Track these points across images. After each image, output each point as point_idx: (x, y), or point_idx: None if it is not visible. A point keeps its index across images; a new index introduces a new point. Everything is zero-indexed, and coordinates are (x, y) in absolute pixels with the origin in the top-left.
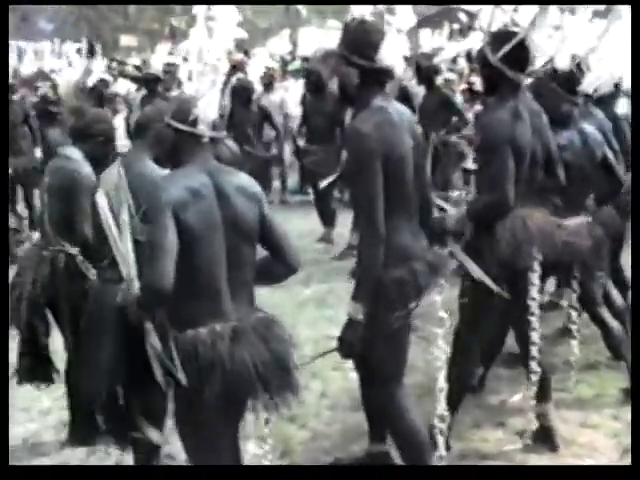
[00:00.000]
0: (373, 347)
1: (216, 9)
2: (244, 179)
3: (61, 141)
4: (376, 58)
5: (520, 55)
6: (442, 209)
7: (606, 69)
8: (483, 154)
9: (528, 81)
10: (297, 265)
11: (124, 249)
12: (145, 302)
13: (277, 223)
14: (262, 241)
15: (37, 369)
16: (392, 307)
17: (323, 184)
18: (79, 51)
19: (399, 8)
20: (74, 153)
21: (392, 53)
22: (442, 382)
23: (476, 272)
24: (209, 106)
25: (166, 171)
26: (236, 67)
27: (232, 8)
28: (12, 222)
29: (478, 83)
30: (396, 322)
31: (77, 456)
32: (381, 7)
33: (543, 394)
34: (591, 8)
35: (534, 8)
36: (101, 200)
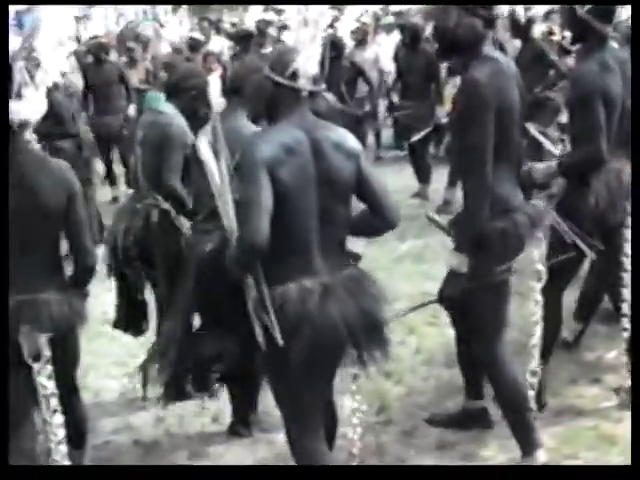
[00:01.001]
0: (475, 301)
1: None
2: (342, 134)
3: (157, 98)
4: (493, 7)
5: (606, 6)
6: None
7: None
8: (574, 107)
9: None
10: (396, 221)
11: (225, 203)
12: (240, 258)
13: (375, 179)
14: (360, 197)
15: (130, 319)
16: (495, 259)
17: (415, 138)
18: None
19: None
20: (168, 107)
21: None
22: (537, 337)
23: (569, 234)
24: (309, 60)
25: (260, 128)
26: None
27: None
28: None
29: (567, 39)
30: (499, 275)
31: (176, 411)
32: None
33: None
34: None
35: None
36: (203, 146)
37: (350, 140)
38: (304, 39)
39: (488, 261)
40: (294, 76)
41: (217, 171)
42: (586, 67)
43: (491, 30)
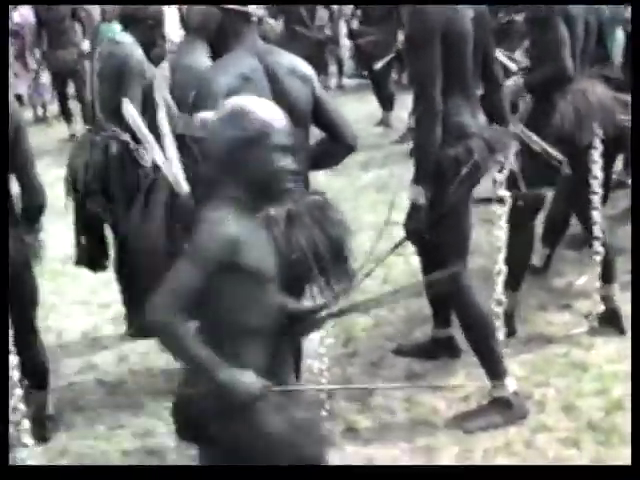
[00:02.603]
0: (437, 229)
1: None
2: (294, 60)
3: (111, 29)
4: None
5: None
6: (506, 69)
7: None
8: (535, 27)
9: None
10: (354, 142)
11: (168, 151)
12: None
13: (331, 102)
14: (317, 122)
15: (92, 255)
16: (453, 186)
17: (378, 65)
18: None
19: None
20: (124, 37)
21: None
22: (501, 265)
23: (539, 143)
24: None
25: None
26: None
27: None
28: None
29: None
30: (457, 199)
31: (138, 349)
32: None
33: (607, 275)
34: None
35: None
36: (129, 108)
37: (302, 64)
38: None
39: (445, 189)
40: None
41: (146, 130)
42: None
43: None
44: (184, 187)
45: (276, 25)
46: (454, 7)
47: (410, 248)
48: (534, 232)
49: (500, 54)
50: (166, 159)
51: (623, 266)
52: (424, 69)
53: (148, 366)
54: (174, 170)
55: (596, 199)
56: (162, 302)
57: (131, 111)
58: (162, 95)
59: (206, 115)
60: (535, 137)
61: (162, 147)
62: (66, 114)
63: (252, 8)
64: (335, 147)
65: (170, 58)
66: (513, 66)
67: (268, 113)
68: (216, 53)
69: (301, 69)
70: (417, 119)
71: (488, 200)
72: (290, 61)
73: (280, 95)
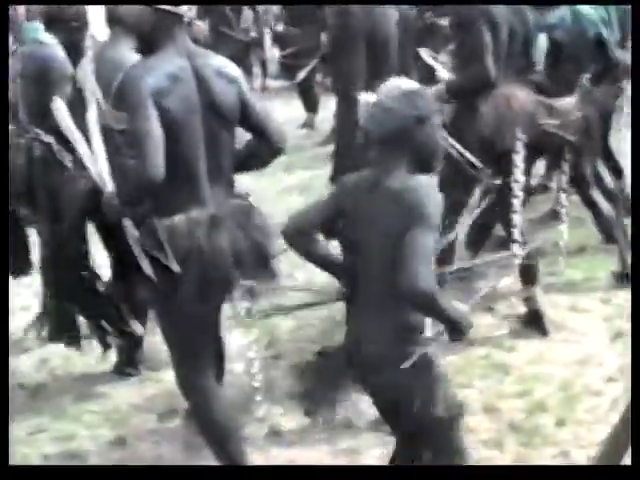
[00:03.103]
0: None
1: None
2: (222, 61)
3: (34, 29)
4: None
5: None
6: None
7: None
8: (458, 31)
9: None
10: (282, 145)
11: (94, 149)
12: (134, 194)
13: (258, 105)
14: (244, 124)
15: (16, 259)
16: None
17: (301, 75)
18: None
19: None
20: (47, 38)
21: None
22: None
23: (458, 149)
24: None
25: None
26: None
27: None
28: None
29: None
30: None
31: (60, 352)
32: None
33: (529, 278)
34: None
35: None
36: (60, 105)
37: (230, 66)
38: None
39: None
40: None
41: (74, 128)
42: None
43: None
44: (109, 185)
45: (204, 26)
46: (380, 8)
47: (334, 250)
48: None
49: (426, 55)
50: (93, 157)
51: (545, 268)
52: (348, 70)
53: (69, 370)
54: (100, 168)
55: (517, 203)
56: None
57: (61, 109)
58: (93, 93)
59: (368, 97)
60: (454, 142)
61: (90, 145)
62: None
63: (184, 9)
64: (263, 149)
65: (95, 52)
66: (442, 72)
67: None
68: (145, 52)
69: (229, 71)
70: (338, 119)
71: None
72: (218, 63)
73: (207, 96)
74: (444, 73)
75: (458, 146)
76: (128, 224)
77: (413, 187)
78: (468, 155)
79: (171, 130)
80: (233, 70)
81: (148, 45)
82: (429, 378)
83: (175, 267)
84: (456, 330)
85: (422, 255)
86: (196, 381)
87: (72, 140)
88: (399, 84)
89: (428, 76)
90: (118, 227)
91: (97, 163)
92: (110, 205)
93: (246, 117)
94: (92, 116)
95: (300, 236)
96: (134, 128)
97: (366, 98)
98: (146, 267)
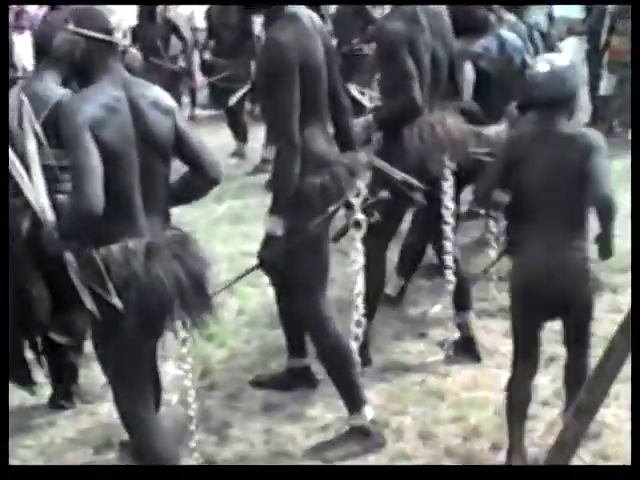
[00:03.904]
0: (296, 259)
1: None
2: (157, 92)
3: None
4: None
5: None
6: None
7: None
8: (382, 59)
9: None
10: (218, 176)
11: (34, 181)
12: (73, 227)
13: (193, 136)
14: (179, 155)
15: None
16: (314, 214)
17: (232, 101)
18: None
19: None
20: None
21: None
22: (359, 287)
23: (396, 173)
24: (126, 14)
25: (65, 90)
26: None
27: None
28: None
29: None
30: (317, 228)
31: None
32: None
33: (462, 304)
34: None
35: None
36: None
37: (165, 97)
38: None
39: (307, 218)
40: (110, 31)
41: (16, 158)
42: (388, 20)
43: None
44: (50, 218)
45: (138, 55)
46: (308, 37)
47: (265, 279)
48: (386, 261)
49: (352, 89)
50: (34, 190)
51: (477, 294)
52: (283, 101)
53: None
54: (41, 201)
55: (448, 229)
56: None
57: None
58: (31, 125)
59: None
60: (388, 166)
61: (30, 178)
62: None
63: (118, 37)
64: (198, 180)
65: (21, 85)
66: (367, 102)
67: None
68: (80, 82)
69: (164, 101)
70: (276, 151)
71: None
72: (153, 93)
73: (143, 127)
74: (368, 104)
75: (387, 166)
76: (69, 257)
77: (581, 131)
78: (409, 178)
79: (107, 161)
80: (168, 101)
81: (82, 75)
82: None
83: (117, 303)
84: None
85: (606, 174)
86: (137, 412)
87: (14, 173)
88: (555, 58)
89: (356, 108)
90: (58, 260)
91: (38, 195)
92: (51, 238)
93: (181, 148)
94: (31, 148)
95: (487, 197)
96: (72, 160)
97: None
98: (87, 301)
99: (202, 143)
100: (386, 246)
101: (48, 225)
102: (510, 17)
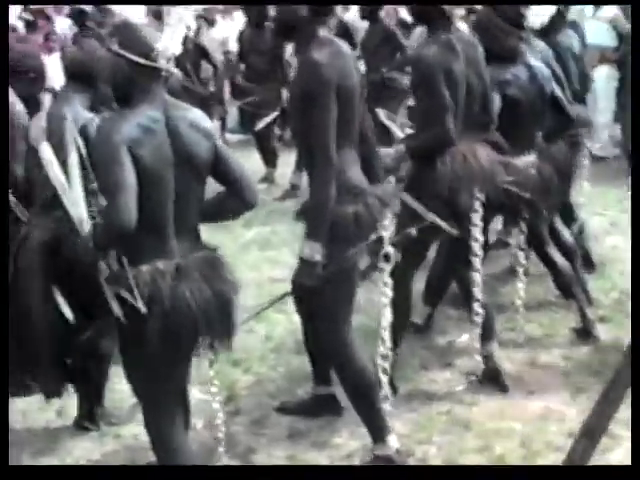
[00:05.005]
0: (328, 287)
1: None
2: (197, 114)
3: None
4: None
5: None
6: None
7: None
8: (418, 88)
9: (472, 17)
10: (254, 200)
11: (74, 193)
12: (105, 240)
13: (232, 158)
14: (217, 177)
15: None
16: (349, 244)
17: (259, 126)
18: None
19: None
20: None
21: None
22: (386, 320)
23: (427, 214)
24: (173, 40)
25: (92, 115)
26: None
27: None
28: None
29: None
30: (353, 259)
31: (18, 406)
32: None
33: (487, 335)
34: None
35: None
36: (45, 150)
37: (205, 119)
38: (172, 20)
39: (342, 246)
40: (155, 56)
41: (60, 171)
42: (426, 48)
43: (328, 16)
44: (86, 228)
45: (179, 76)
46: (344, 60)
47: (292, 305)
48: (411, 290)
49: (382, 114)
50: (73, 201)
51: (504, 324)
52: (320, 121)
53: (28, 425)
54: (80, 212)
55: (476, 261)
56: None
57: (48, 154)
58: (73, 139)
59: None
60: (422, 207)
61: (71, 189)
62: None
63: (162, 63)
64: (235, 203)
65: (49, 107)
66: (396, 129)
67: None
68: (120, 103)
69: (203, 124)
70: (311, 174)
71: None
72: (193, 115)
73: (180, 149)
74: (401, 134)
75: (416, 204)
76: (103, 267)
77: None
78: (438, 221)
79: (143, 180)
80: (208, 123)
81: (122, 96)
82: None
83: (142, 307)
84: None
85: None
86: (167, 435)
87: (56, 183)
88: None
89: (385, 136)
90: (90, 269)
91: (77, 207)
92: (87, 247)
93: (220, 171)
94: (73, 161)
95: None
96: (108, 175)
97: None
98: (115, 308)
99: (241, 166)
100: (412, 275)
101: (84, 235)
102: (541, 44)
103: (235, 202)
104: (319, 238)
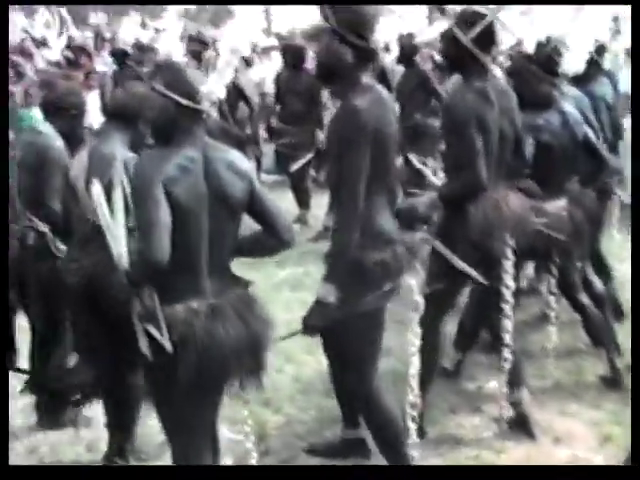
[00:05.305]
0: (348, 330)
1: None
2: (235, 155)
3: (30, 117)
4: (371, 39)
5: (487, 36)
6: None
7: (583, 48)
8: (449, 135)
9: (506, 63)
10: (291, 240)
11: (117, 231)
12: (138, 276)
13: (269, 198)
14: (254, 216)
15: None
16: (370, 289)
17: (293, 167)
18: (47, 24)
19: None
20: (46, 128)
21: (386, 34)
22: (415, 368)
23: (456, 262)
24: (219, 85)
25: (131, 154)
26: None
27: None
28: None
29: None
30: (371, 304)
31: (49, 439)
32: None
33: (516, 381)
34: None
35: None
36: (96, 188)
37: (242, 160)
38: (221, 64)
39: (363, 291)
40: (200, 98)
41: (107, 210)
42: (459, 95)
43: (372, 61)
44: (125, 265)
45: (217, 120)
46: (384, 108)
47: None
48: (441, 335)
49: (414, 159)
50: (116, 238)
51: (533, 371)
52: (351, 171)
53: (58, 458)
54: (120, 249)
55: (507, 308)
56: None
57: (97, 191)
58: (119, 176)
59: None
60: (453, 256)
61: (115, 226)
62: None
63: (205, 106)
64: (271, 241)
65: (91, 144)
66: (429, 173)
67: None
68: (158, 142)
69: (240, 165)
70: (337, 219)
71: None
72: (231, 157)
73: (216, 189)
74: (435, 179)
75: (448, 253)
76: (136, 304)
77: None
78: (468, 269)
79: (177, 219)
80: (245, 164)
81: (162, 134)
82: None
83: (168, 345)
84: None
85: None
86: None
87: (101, 220)
88: None
89: (416, 179)
90: (124, 306)
91: (119, 244)
92: (121, 284)
93: (257, 211)
94: (118, 198)
95: None
96: (141, 212)
97: None
98: (144, 345)
99: (278, 207)
100: (442, 321)
101: (122, 271)
102: (575, 92)
103: (272, 241)
104: (335, 281)
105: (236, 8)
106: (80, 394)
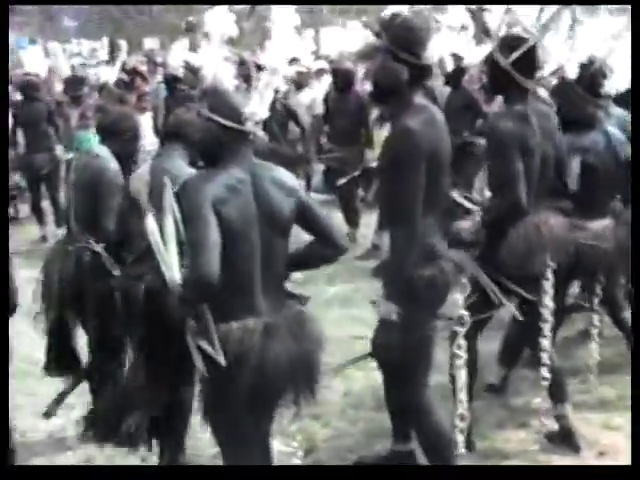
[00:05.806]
0: (405, 348)
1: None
2: (281, 172)
3: (87, 139)
4: (423, 55)
5: (529, 61)
6: (465, 209)
7: (626, 68)
8: (491, 157)
9: (551, 85)
10: (345, 244)
11: (169, 256)
12: (191, 296)
13: (318, 208)
14: (305, 227)
15: (63, 363)
16: (423, 306)
17: (341, 182)
18: (94, 51)
19: (451, 7)
20: (102, 151)
21: (439, 50)
22: (462, 381)
23: (486, 283)
24: (261, 105)
25: (193, 170)
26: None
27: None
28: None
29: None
30: (433, 327)
31: (104, 452)
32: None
33: (559, 396)
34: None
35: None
36: (150, 221)
37: (289, 177)
38: (261, 85)
39: (417, 308)
40: (243, 120)
41: (159, 237)
42: (502, 119)
43: (425, 79)
44: (177, 288)
45: (265, 139)
46: (438, 129)
47: (372, 363)
48: (476, 351)
49: (455, 195)
50: (169, 265)
51: (577, 386)
52: (408, 191)
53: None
54: (173, 273)
55: (546, 327)
56: None
57: (151, 223)
58: (170, 204)
59: None
60: (487, 279)
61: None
62: (38, 216)
63: (250, 126)
64: (327, 250)
65: (152, 161)
66: (472, 206)
67: None
68: (207, 163)
69: (287, 182)
70: (394, 239)
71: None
72: (278, 174)
73: (265, 208)
74: (475, 208)
75: (486, 279)
76: (191, 324)
77: None
78: (495, 291)
79: (228, 239)
80: (292, 181)
81: (210, 156)
82: None
83: (221, 360)
84: None
85: None
86: None
87: (154, 248)
88: None
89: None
90: (178, 325)
91: (171, 270)
92: (176, 306)
93: (307, 220)
94: (169, 225)
95: None
96: (192, 232)
97: None
98: (198, 362)
99: (328, 215)
100: (475, 339)
101: (174, 295)
102: (618, 111)
103: (327, 249)
104: (394, 299)
105: (273, 28)
106: (137, 409)
